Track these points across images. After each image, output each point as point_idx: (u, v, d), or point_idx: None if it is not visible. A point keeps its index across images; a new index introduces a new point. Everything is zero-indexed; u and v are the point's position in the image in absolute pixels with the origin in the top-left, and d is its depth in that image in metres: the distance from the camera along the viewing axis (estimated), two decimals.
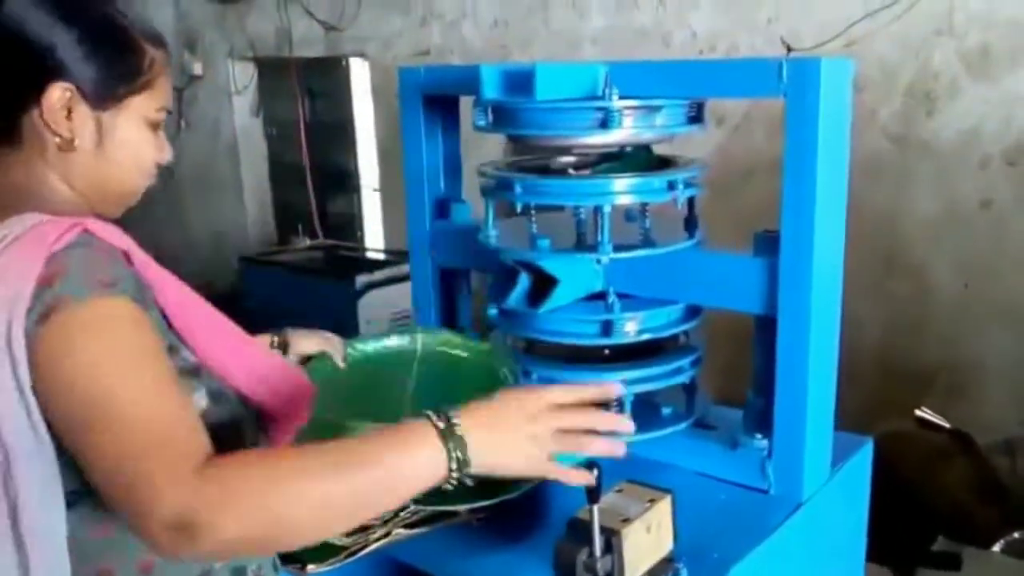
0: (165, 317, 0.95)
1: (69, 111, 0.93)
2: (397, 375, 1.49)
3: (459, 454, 0.88)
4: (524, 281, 1.53)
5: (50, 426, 0.86)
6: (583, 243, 1.58)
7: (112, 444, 0.81)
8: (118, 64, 0.96)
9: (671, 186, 1.47)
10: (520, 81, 1.42)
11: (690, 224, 1.60)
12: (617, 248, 1.47)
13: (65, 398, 0.84)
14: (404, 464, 0.87)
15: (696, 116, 1.51)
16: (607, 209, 1.46)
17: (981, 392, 2.80)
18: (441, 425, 0.88)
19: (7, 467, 0.86)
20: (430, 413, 0.90)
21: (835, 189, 1.40)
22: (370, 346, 1.52)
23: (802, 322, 1.38)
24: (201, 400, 0.96)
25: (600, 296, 1.56)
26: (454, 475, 0.88)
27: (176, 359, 0.95)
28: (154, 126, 1.01)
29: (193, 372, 0.97)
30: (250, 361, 1.04)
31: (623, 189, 1.45)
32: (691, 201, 1.57)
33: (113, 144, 0.97)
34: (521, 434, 0.93)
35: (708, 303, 1.56)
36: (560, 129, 1.45)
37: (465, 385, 1.39)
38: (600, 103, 1.42)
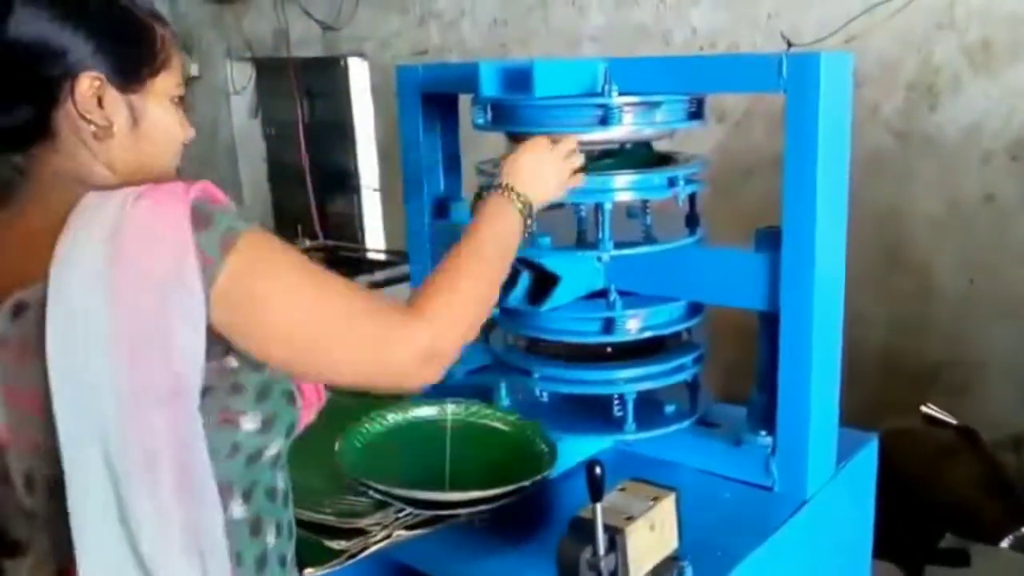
0: None
1: (100, 100, 0.96)
2: (431, 443, 1.51)
3: (528, 210, 1.25)
4: (525, 279, 1.52)
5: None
6: (584, 240, 1.57)
7: (344, 325, 0.95)
8: (136, 47, 1.00)
9: (672, 182, 1.46)
10: (519, 78, 1.41)
11: (691, 221, 1.59)
12: (618, 245, 1.47)
13: (273, 314, 0.92)
14: (511, 232, 1.22)
15: (696, 112, 1.50)
16: (608, 206, 1.45)
17: (986, 388, 2.79)
18: (514, 198, 1.24)
19: (182, 404, 0.89)
20: (501, 189, 1.25)
21: (836, 184, 1.39)
22: (400, 416, 1.54)
23: (805, 317, 1.37)
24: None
25: (601, 294, 1.55)
26: (530, 223, 1.25)
27: None
28: (177, 103, 1.05)
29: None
30: None
31: (624, 186, 1.45)
32: (692, 198, 1.56)
33: (147, 124, 1.01)
34: (555, 181, 1.33)
35: (710, 300, 1.55)
36: (560, 126, 1.44)
37: (501, 452, 1.47)
38: (600, 99, 1.41)
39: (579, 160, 1.37)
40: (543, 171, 1.30)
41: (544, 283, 1.50)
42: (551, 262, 1.48)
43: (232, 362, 0.95)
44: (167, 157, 1.05)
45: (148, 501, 0.88)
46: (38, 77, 0.93)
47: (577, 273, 1.52)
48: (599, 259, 1.48)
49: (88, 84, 0.95)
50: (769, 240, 1.40)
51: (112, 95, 0.97)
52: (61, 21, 0.93)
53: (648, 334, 1.54)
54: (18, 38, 0.92)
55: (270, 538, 1.02)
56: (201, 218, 0.89)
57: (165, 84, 1.02)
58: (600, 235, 1.46)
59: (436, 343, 0.99)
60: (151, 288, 0.87)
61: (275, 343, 0.93)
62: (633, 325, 1.53)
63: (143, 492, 0.88)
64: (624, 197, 1.48)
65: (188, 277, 0.87)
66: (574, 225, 1.64)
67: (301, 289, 0.94)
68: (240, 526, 0.98)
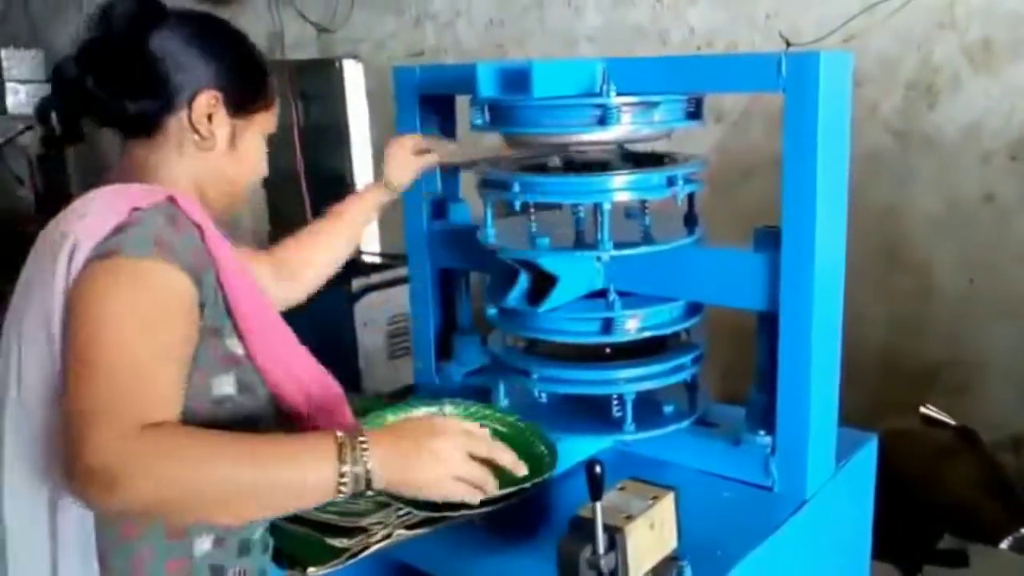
0: (227, 300, 1.05)
1: (210, 116, 1.11)
2: None
3: (358, 470, 0.94)
4: (524, 280, 1.52)
5: None
6: (583, 241, 1.57)
7: (83, 382, 0.90)
8: (252, 81, 1.17)
9: (671, 182, 1.46)
10: (517, 79, 1.41)
11: (690, 221, 1.59)
12: (617, 245, 1.46)
13: (74, 329, 0.94)
14: (301, 477, 0.93)
15: (695, 112, 1.50)
16: (607, 206, 1.44)
17: (986, 389, 2.78)
18: (344, 441, 0.95)
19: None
20: (338, 432, 0.96)
21: (836, 183, 1.39)
22: (398, 417, 1.50)
23: (804, 317, 1.37)
24: (228, 386, 1.04)
25: (600, 294, 1.55)
26: (344, 491, 0.94)
27: (216, 344, 1.04)
28: (268, 142, 1.22)
29: (230, 360, 1.06)
30: (291, 363, 1.12)
31: (622, 186, 1.44)
32: (691, 198, 1.56)
33: (241, 149, 1.17)
34: (425, 450, 1.00)
35: (709, 300, 1.55)
36: (558, 126, 1.44)
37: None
38: (598, 100, 1.41)
39: (476, 470, 1.07)
40: (420, 451, 1.01)
41: (543, 283, 1.49)
42: (549, 262, 1.48)
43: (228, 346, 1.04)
44: (248, 180, 1.20)
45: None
46: (166, 84, 1.09)
47: (576, 273, 1.52)
48: (598, 259, 1.48)
49: (206, 100, 1.10)
50: (768, 240, 1.40)
51: (222, 115, 1.12)
52: (199, 45, 1.10)
53: (647, 334, 1.53)
54: (157, 49, 1.08)
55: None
56: (123, 225, 0.97)
57: (265, 121, 1.20)
58: (599, 235, 1.46)
59: (116, 469, 0.84)
60: (49, 259, 0.99)
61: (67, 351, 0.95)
62: (632, 325, 1.53)
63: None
64: (623, 197, 1.47)
65: (73, 263, 0.97)
66: (573, 225, 1.64)
67: (95, 335, 0.92)
68: None
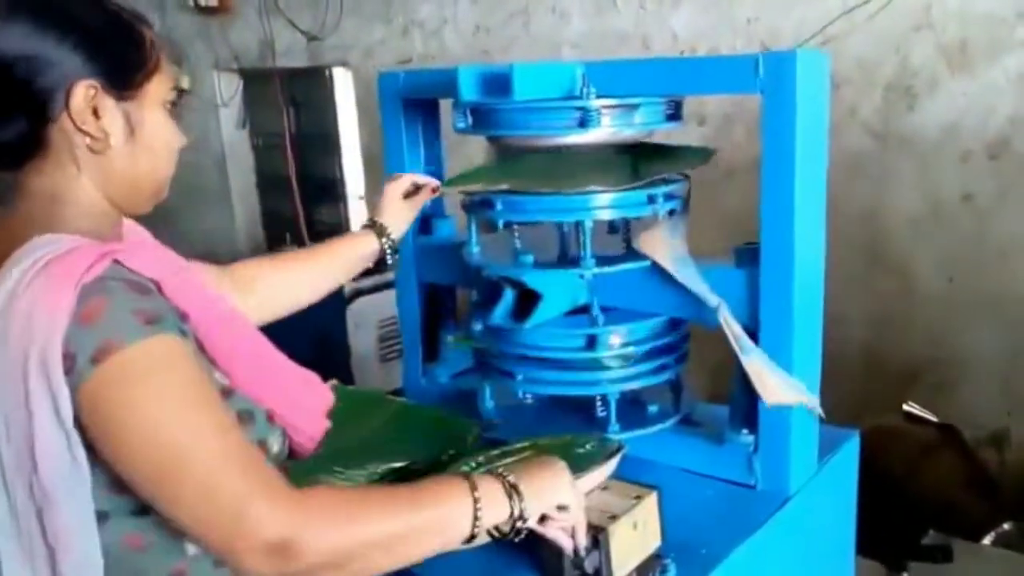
0: (200, 343, 0.96)
1: (95, 110, 0.93)
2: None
3: (496, 487, 1.03)
4: (509, 297, 1.53)
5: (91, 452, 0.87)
6: (566, 257, 1.58)
7: (198, 489, 0.84)
8: (128, 51, 0.96)
9: (651, 200, 1.46)
10: (498, 82, 1.43)
11: None
12: (600, 261, 1.47)
13: (129, 446, 0.84)
14: (447, 513, 0.98)
15: (674, 114, 1.51)
16: (588, 224, 1.45)
17: (967, 386, 2.81)
18: (474, 492, 1.00)
19: (45, 503, 0.86)
20: (509, 484, 1.03)
21: (815, 186, 1.40)
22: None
23: (785, 331, 1.38)
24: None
25: (585, 309, 1.56)
26: (482, 516, 1.00)
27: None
28: (171, 109, 1.02)
29: (224, 393, 0.97)
30: (281, 382, 1.05)
31: (603, 204, 1.45)
32: (672, 213, 1.57)
33: (144, 134, 0.98)
34: (564, 480, 1.10)
35: (690, 316, 1.55)
36: (539, 129, 1.45)
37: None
38: (578, 102, 1.42)
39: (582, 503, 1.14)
40: (552, 491, 1.09)
41: (527, 300, 1.50)
42: (533, 279, 1.49)
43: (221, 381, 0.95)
44: (163, 166, 1.02)
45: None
46: (29, 90, 0.90)
47: (560, 290, 1.53)
48: (581, 276, 1.49)
49: (83, 94, 0.92)
50: (748, 256, 1.41)
51: (108, 104, 0.94)
52: (48, 31, 0.90)
53: (631, 349, 1.54)
54: (6, 51, 0.89)
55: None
56: (90, 311, 0.83)
57: (158, 89, 0.99)
58: (581, 253, 1.47)
59: (295, 537, 0.84)
60: (18, 379, 0.83)
61: (121, 468, 0.86)
62: (616, 340, 1.53)
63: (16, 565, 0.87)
64: (604, 216, 1.48)
65: (52, 375, 0.82)
66: (557, 241, 1.64)
67: (164, 428, 0.85)
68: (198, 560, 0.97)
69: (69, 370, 0.83)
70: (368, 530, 0.90)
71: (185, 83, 5.22)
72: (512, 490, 1.03)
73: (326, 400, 1.12)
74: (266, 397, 1.02)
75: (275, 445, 1.03)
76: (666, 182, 1.47)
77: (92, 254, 0.87)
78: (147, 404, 0.84)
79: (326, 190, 5.12)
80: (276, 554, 0.84)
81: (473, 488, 1.00)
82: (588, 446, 1.40)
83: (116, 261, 0.88)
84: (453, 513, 0.98)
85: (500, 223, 1.51)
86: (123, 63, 0.95)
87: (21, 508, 0.87)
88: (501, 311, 1.52)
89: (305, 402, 1.08)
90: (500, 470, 1.06)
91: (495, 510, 1.02)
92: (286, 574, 0.85)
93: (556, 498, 1.08)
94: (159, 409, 0.85)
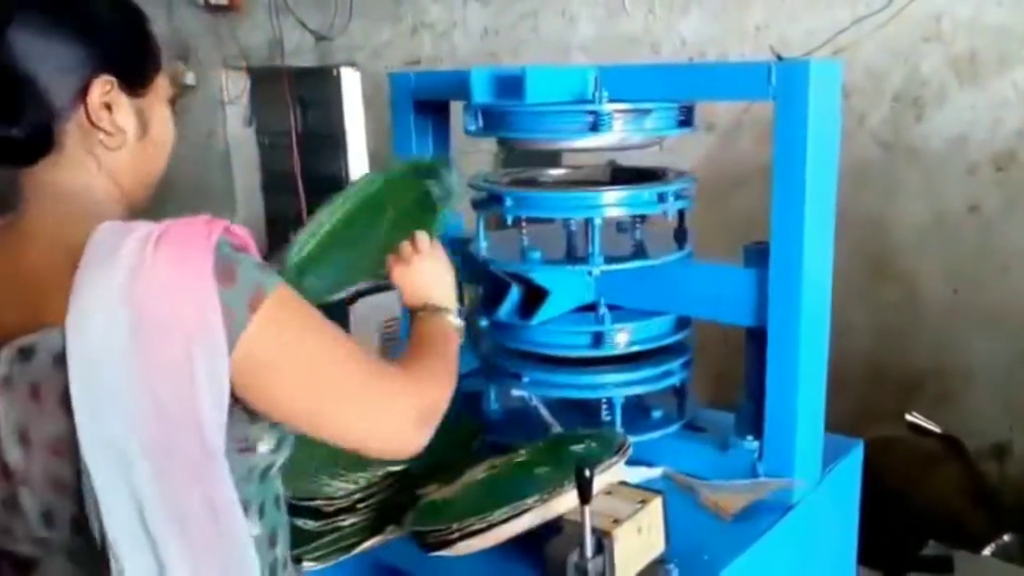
0: None
1: (109, 107, 0.93)
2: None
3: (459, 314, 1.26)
4: (515, 293, 1.53)
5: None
6: (574, 255, 1.58)
7: (355, 391, 0.97)
8: (141, 48, 0.98)
9: (661, 198, 1.47)
10: (510, 84, 1.43)
11: (680, 236, 1.60)
12: (608, 260, 1.47)
13: (295, 380, 0.92)
14: (444, 337, 1.21)
15: (686, 120, 1.52)
16: (598, 222, 1.46)
17: (970, 397, 2.81)
18: (442, 315, 1.23)
19: (210, 480, 0.87)
20: (424, 310, 1.23)
21: (824, 194, 1.40)
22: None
23: (792, 332, 1.38)
24: None
25: (591, 307, 1.56)
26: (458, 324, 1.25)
27: None
28: (171, 103, 1.04)
29: None
30: None
31: (613, 202, 1.45)
32: (681, 213, 1.57)
33: (154, 128, 1.00)
34: (449, 278, 1.29)
35: (698, 314, 1.56)
36: (550, 132, 1.45)
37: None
38: (590, 106, 1.42)
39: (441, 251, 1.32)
40: (444, 276, 1.29)
41: (534, 296, 1.51)
42: (541, 276, 1.49)
43: None
44: (163, 161, 1.03)
45: (182, 564, 0.87)
46: (44, 86, 0.90)
47: (567, 287, 1.53)
48: (589, 273, 1.49)
49: (100, 90, 0.92)
50: (757, 256, 1.41)
51: (122, 101, 0.94)
52: (66, 27, 0.91)
53: (637, 348, 1.55)
54: (20, 48, 0.88)
55: (280, 546, 1.03)
56: (226, 271, 0.86)
57: (164, 85, 1.01)
58: (590, 250, 1.47)
59: (428, 405, 1.03)
60: (177, 345, 0.83)
61: (283, 407, 0.93)
62: (622, 339, 1.54)
63: (177, 555, 0.87)
64: (614, 213, 1.49)
65: (215, 335, 0.84)
66: (564, 239, 1.65)
67: (318, 356, 0.94)
68: (259, 542, 0.97)
69: (228, 327, 0.85)
70: (443, 379, 1.11)
71: (190, 79, 5.24)
72: (445, 311, 1.24)
73: None
74: None
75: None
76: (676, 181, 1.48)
77: (201, 224, 0.88)
78: (303, 335, 0.93)
79: (331, 190, 5.09)
80: (423, 421, 1.01)
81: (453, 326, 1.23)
82: (593, 444, 1.40)
83: (226, 229, 0.90)
84: (452, 344, 1.20)
85: (509, 219, 1.51)
86: (137, 60, 0.97)
87: (182, 492, 0.86)
88: (508, 307, 1.52)
89: None
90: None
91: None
92: (434, 427, 1.03)
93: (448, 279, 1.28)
94: (314, 339, 0.94)
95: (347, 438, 0.98)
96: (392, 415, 0.99)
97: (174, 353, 0.83)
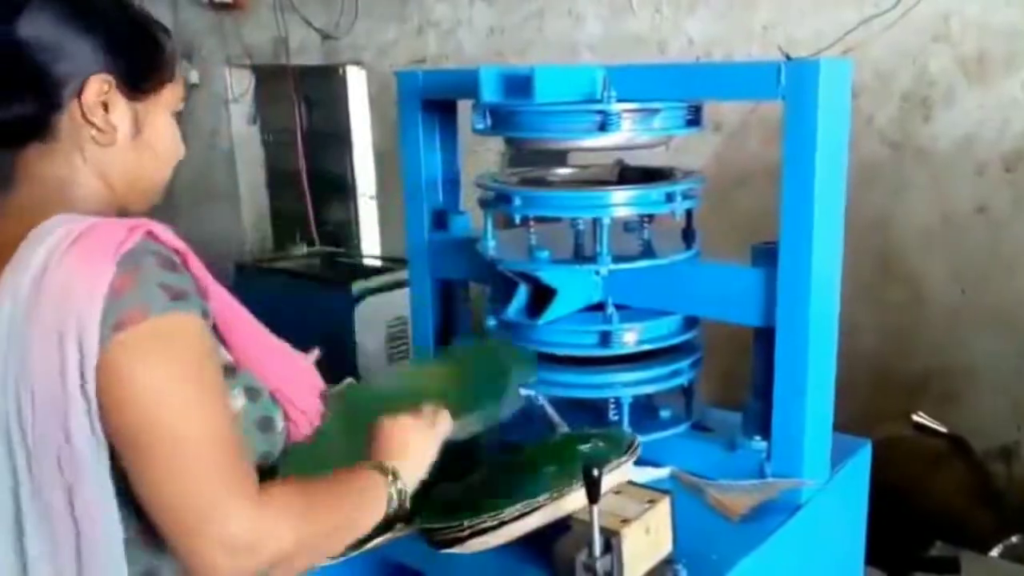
0: (215, 325, 0.98)
1: (106, 104, 0.96)
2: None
3: (402, 495, 1.10)
4: (523, 292, 1.53)
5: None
6: (582, 254, 1.58)
7: (176, 469, 0.86)
8: (148, 55, 1.01)
9: (669, 198, 1.47)
10: (519, 84, 1.43)
11: (688, 235, 1.60)
12: (616, 259, 1.47)
13: (127, 412, 0.86)
14: (371, 499, 1.07)
15: (694, 119, 1.51)
16: (606, 221, 1.46)
17: (977, 398, 2.80)
18: (391, 480, 1.09)
19: (75, 476, 0.87)
20: (380, 471, 1.09)
21: (834, 193, 1.40)
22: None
23: (801, 332, 1.38)
24: (239, 398, 1.00)
25: (599, 307, 1.56)
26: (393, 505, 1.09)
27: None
28: (178, 117, 1.06)
29: (230, 370, 1.00)
30: (279, 361, 1.08)
31: (622, 201, 1.45)
32: (689, 213, 1.57)
33: (150, 135, 1.02)
34: (431, 449, 1.18)
35: (706, 314, 1.55)
36: (558, 132, 1.45)
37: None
38: (599, 106, 1.42)
39: (447, 423, 1.23)
40: (426, 452, 1.17)
41: (542, 296, 1.51)
42: (549, 275, 1.49)
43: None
44: (163, 169, 1.06)
45: (47, 564, 0.88)
46: (44, 74, 0.93)
47: (575, 286, 1.53)
48: (597, 273, 1.49)
49: (97, 87, 0.95)
50: (765, 256, 1.41)
51: (119, 101, 0.98)
52: (74, 22, 0.94)
53: (645, 347, 1.55)
54: (28, 36, 0.92)
55: None
56: (123, 282, 0.85)
57: (171, 96, 1.04)
58: (598, 249, 1.47)
59: (259, 534, 0.88)
60: (53, 341, 0.84)
61: (117, 441, 0.87)
62: (630, 338, 1.54)
63: (44, 556, 0.88)
64: (622, 213, 1.48)
65: (88, 339, 0.84)
66: (572, 238, 1.65)
67: (165, 416, 0.86)
68: None
69: (101, 335, 0.84)
70: (322, 524, 0.97)
71: (194, 77, 5.25)
72: (393, 477, 1.10)
73: (319, 383, 1.15)
74: (269, 376, 1.05)
75: (279, 423, 1.06)
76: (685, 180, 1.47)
77: (124, 227, 0.88)
78: (155, 375, 0.86)
79: (336, 188, 5.13)
80: (237, 552, 0.86)
81: (391, 481, 1.09)
82: (601, 443, 1.40)
83: (148, 233, 0.89)
84: (378, 503, 1.07)
85: (517, 218, 1.51)
86: (139, 65, 1.00)
87: (47, 482, 0.88)
88: (516, 307, 1.52)
89: (303, 383, 1.11)
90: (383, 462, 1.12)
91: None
92: (252, 567, 0.88)
93: (427, 460, 1.17)
94: (165, 382, 0.86)
95: (156, 521, 0.88)
96: (209, 533, 0.85)
97: (50, 349, 0.84)
